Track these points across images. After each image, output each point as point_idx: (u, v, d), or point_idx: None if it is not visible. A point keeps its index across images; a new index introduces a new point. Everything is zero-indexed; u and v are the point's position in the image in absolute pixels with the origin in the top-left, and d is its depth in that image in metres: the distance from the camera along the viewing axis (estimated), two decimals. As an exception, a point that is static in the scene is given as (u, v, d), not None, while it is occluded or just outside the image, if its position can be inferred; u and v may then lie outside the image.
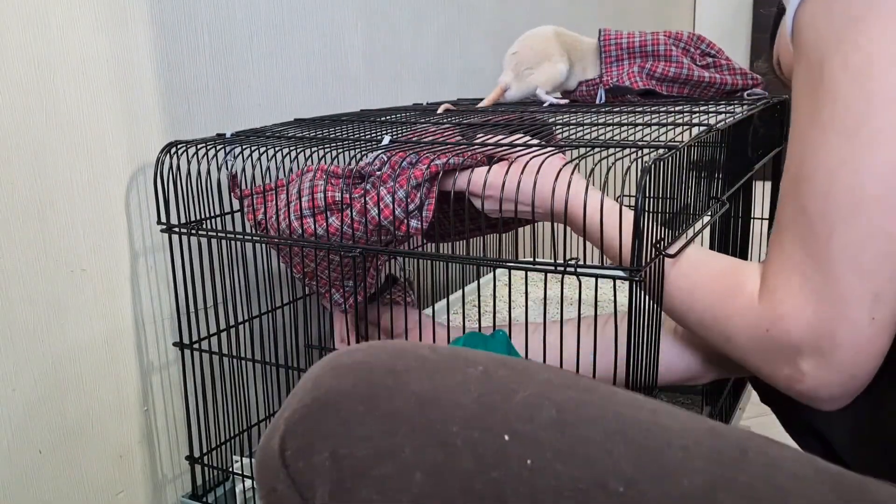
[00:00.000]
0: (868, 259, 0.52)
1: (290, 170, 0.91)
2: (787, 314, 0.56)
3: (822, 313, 0.54)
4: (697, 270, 0.68)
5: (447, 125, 1.03)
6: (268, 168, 0.94)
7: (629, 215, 0.68)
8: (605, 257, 0.74)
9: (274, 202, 0.92)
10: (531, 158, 0.77)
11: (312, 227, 0.87)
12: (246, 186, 0.95)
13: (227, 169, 0.95)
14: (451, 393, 0.47)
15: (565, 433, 0.45)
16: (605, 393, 0.48)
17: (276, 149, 0.93)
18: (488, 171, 0.78)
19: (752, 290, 0.59)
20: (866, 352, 0.53)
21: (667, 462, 0.43)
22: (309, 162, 0.92)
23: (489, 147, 0.86)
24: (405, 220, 0.81)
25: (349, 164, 0.89)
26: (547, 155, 0.77)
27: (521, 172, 0.75)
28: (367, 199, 0.83)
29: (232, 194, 0.97)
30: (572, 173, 0.72)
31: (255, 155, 0.94)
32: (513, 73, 1.27)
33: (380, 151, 0.86)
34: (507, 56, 1.28)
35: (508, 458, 0.44)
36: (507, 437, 0.44)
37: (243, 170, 0.95)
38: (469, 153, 0.84)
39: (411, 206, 0.80)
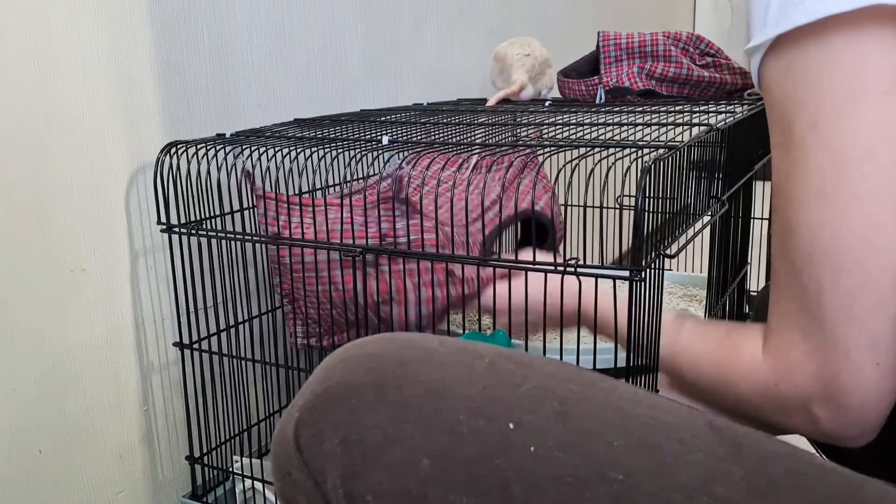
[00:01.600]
0: (859, 311, 0.53)
1: (312, 185, 0.91)
2: (792, 368, 0.56)
3: (825, 364, 0.54)
4: (698, 342, 0.68)
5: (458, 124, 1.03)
6: (267, 168, 0.94)
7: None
8: (605, 257, 0.74)
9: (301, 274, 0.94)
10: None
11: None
12: (259, 186, 0.95)
13: (239, 167, 0.95)
14: (458, 384, 0.49)
15: (567, 425, 0.46)
16: (606, 387, 0.50)
17: (276, 149, 0.93)
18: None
19: (754, 349, 0.60)
20: (875, 395, 0.54)
21: (665, 455, 0.45)
22: (309, 162, 0.92)
23: (489, 147, 0.86)
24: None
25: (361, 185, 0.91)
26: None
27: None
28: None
29: (251, 192, 0.97)
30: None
31: (267, 155, 0.94)
32: (527, 75, 1.33)
33: (394, 166, 0.87)
34: (516, 56, 1.31)
35: (512, 445, 0.46)
36: (511, 426, 0.46)
37: (250, 167, 0.95)
38: (469, 153, 0.85)
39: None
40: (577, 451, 0.45)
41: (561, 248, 0.79)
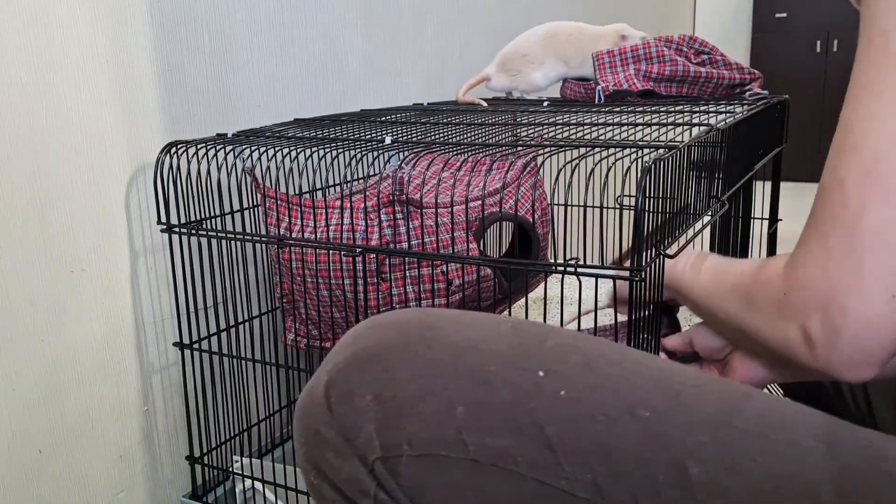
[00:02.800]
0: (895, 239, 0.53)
1: (316, 187, 0.91)
2: (805, 280, 0.56)
3: (838, 282, 0.54)
4: (727, 264, 0.68)
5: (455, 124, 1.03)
6: (267, 168, 0.94)
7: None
8: (605, 257, 0.74)
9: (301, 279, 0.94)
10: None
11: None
12: (268, 186, 0.95)
13: (239, 167, 0.95)
14: (486, 341, 0.53)
15: (593, 372, 0.50)
16: (621, 347, 0.55)
17: (277, 149, 0.93)
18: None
19: (779, 264, 0.61)
20: (877, 327, 0.54)
21: (685, 396, 0.49)
22: (309, 162, 0.92)
23: (490, 147, 0.86)
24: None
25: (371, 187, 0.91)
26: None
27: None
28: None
29: (255, 191, 0.97)
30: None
31: (267, 155, 0.94)
32: (496, 68, 1.35)
33: (394, 166, 0.87)
34: (502, 50, 1.35)
35: (543, 390, 0.49)
36: (541, 374, 0.50)
37: (255, 167, 0.95)
38: (469, 154, 0.85)
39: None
40: (605, 393, 0.49)
41: (561, 248, 0.79)
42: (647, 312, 0.72)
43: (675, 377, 0.51)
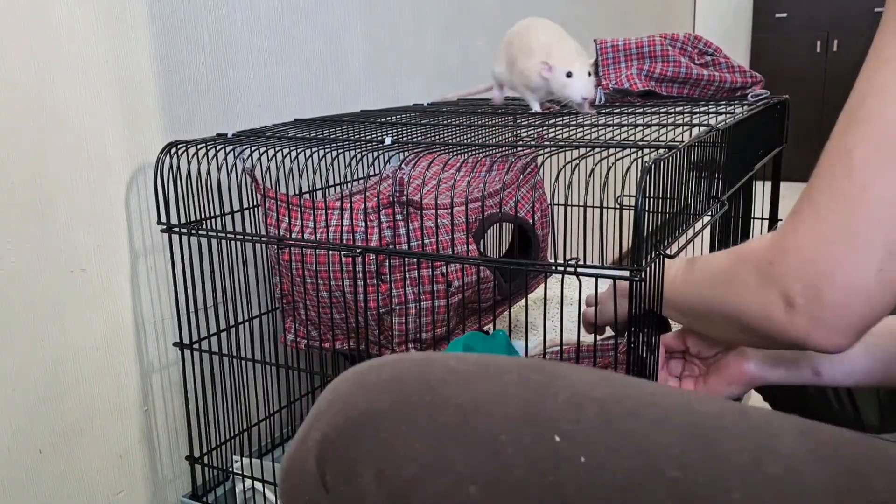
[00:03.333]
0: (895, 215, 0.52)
1: (314, 187, 0.91)
2: (792, 248, 0.55)
3: (827, 251, 0.53)
4: (713, 255, 0.68)
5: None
6: (267, 168, 0.94)
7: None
8: (605, 257, 0.74)
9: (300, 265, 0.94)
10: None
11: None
12: (266, 186, 0.95)
13: (239, 167, 0.95)
14: (493, 402, 0.47)
15: (613, 427, 0.45)
16: (637, 384, 0.50)
17: (277, 149, 0.93)
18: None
19: (762, 239, 0.60)
20: (861, 298, 0.53)
21: (714, 443, 0.45)
22: (309, 162, 0.92)
23: (490, 148, 0.86)
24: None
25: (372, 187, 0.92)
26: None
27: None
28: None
29: (255, 191, 0.97)
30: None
31: (268, 155, 0.94)
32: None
33: (394, 166, 0.87)
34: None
35: (561, 459, 0.44)
36: (557, 439, 0.45)
37: (255, 167, 0.95)
38: (469, 154, 0.85)
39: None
40: (628, 455, 0.44)
41: (561, 248, 0.79)
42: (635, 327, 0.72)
43: (701, 419, 0.47)
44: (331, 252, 0.90)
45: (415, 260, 0.88)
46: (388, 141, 0.90)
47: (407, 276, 0.90)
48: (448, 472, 0.45)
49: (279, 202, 0.95)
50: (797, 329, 0.56)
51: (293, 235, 0.93)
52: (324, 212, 0.91)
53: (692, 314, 0.70)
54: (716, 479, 0.44)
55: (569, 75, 1.09)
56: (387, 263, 0.89)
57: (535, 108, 1.18)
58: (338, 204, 0.93)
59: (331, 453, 0.47)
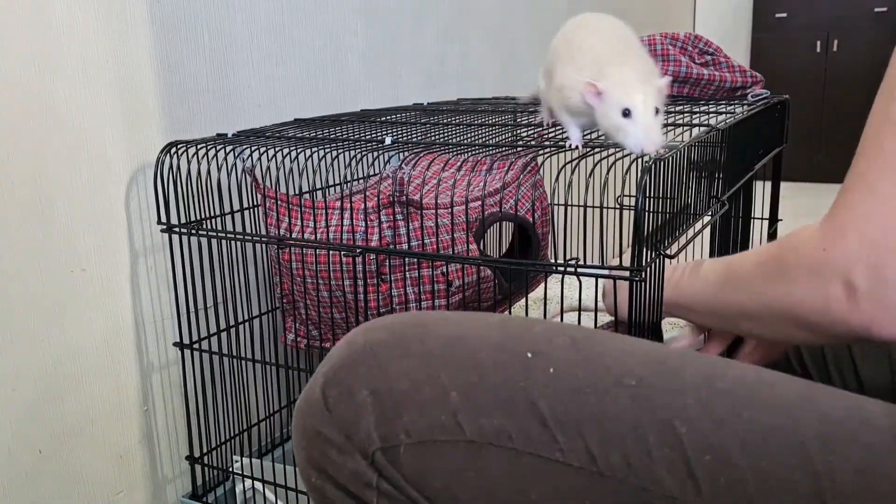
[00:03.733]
0: None
1: (314, 187, 0.91)
2: (847, 228, 0.53)
3: (890, 226, 0.51)
4: (739, 256, 0.67)
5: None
6: (267, 168, 0.94)
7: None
8: (605, 257, 0.74)
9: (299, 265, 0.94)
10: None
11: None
12: (267, 186, 0.95)
13: (239, 167, 0.95)
14: (476, 331, 0.55)
15: (580, 351, 0.53)
16: (609, 332, 0.58)
17: (277, 149, 0.93)
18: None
19: (807, 229, 0.57)
20: None
21: (669, 364, 0.52)
22: (309, 162, 0.92)
23: (490, 147, 0.86)
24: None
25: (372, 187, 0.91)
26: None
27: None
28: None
29: (256, 191, 0.97)
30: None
31: (268, 155, 0.94)
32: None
33: (394, 166, 0.87)
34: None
35: (533, 369, 0.51)
36: (529, 355, 0.52)
37: (255, 167, 0.95)
38: (470, 154, 0.85)
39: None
40: (592, 369, 0.51)
41: (561, 248, 0.79)
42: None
43: (660, 350, 0.54)
44: (331, 252, 0.90)
45: (415, 260, 0.88)
46: (388, 141, 0.90)
47: (407, 275, 0.90)
48: (434, 384, 0.52)
49: (279, 202, 0.95)
50: (861, 316, 0.53)
51: (293, 235, 0.93)
52: (324, 212, 0.91)
53: (727, 320, 0.68)
54: (670, 388, 0.50)
55: (626, 114, 0.72)
56: (387, 263, 0.89)
57: (575, 138, 0.83)
58: (338, 204, 0.93)
59: (333, 380, 0.54)
